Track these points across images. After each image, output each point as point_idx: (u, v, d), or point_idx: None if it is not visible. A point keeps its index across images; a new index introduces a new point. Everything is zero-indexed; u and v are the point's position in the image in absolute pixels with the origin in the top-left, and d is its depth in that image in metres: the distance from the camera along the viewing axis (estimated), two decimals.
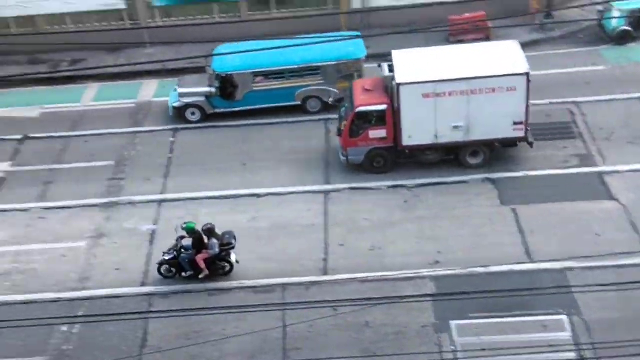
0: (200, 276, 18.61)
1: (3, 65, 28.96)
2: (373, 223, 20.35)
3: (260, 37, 24.54)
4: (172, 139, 24.60)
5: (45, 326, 16.77)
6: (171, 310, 16.69)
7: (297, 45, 22.70)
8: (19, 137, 25.16)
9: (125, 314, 16.52)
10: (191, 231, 18.29)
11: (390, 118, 21.35)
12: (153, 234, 20.59)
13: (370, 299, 17.05)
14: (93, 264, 19.64)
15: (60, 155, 24.22)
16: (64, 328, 17.61)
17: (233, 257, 18.81)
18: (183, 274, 18.71)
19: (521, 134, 21.41)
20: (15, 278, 19.33)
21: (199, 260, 18.39)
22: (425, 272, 18.24)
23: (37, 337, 17.23)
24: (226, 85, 24.71)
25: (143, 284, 18.88)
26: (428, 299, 17.48)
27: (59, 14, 29.28)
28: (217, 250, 18.26)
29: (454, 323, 17.02)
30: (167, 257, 18.65)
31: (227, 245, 18.50)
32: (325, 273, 18.85)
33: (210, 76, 25.03)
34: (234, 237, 18.71)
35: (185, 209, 21.39)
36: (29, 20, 29.49)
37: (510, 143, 21.96)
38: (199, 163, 23.29)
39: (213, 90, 24.74)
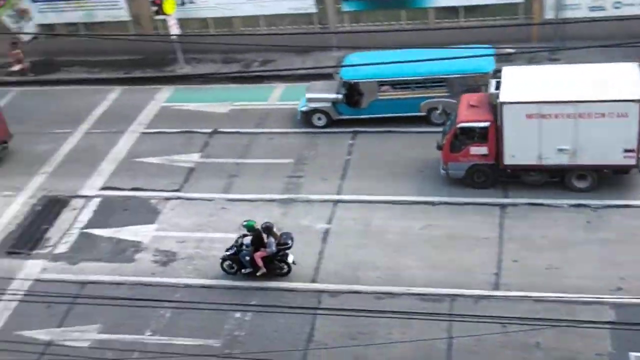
0: (258, 274, 19.16)
1: (201, 63, 30.85)
2: (551, 241, 19.52)
3: (447, 45, 24.29)
4: (350, 142, 24.97)
5: (221, 311, 17.58)
6: (339, 309, 16.93)
7: (425, 60, 22.20)
8: (209, 130, 26.62)
9: (295, 307, 16.95)
10: (251, 229, 18.90)
11: (493, 136, 20.79)
12: (326, 233, 21.00)
13: (543, 319, 16.33)
14: None
15: (246, 150, 25.34)
16: (238, 315, 18.37)
17: (290, 259, 19.17)
18: (242, 270, 19.33)
19: (632, 162, 20.04)
20: (197, 263, 20.43)
21: (257, 258, 18.90)
22: (605, 297, 17.23)
23: (213, 321, 18.10)
24: (352, 93, 25.15)
25: (313, 281, 19.30)
26: (607, 326, 16.48)
27: (254, 16, 30.74)
28: (274, 248, 18.71)
29: (633, 355, 15.93)
30: (228, 253, 19.31)
31: (283, 245, 18.89)
32: (497, 288, 18.32)
33: (338, 83, 25.47)
34: (291, 238, 19.18)
35: (359, 211, 21.65)
36: (227, 21, 31.17)
37: (621, 170, 20.57)
38: (375, 167, 23.46)
39: (339, 97, 25.17)
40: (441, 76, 24.13)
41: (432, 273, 19.04)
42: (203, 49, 30.24)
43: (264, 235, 18.92)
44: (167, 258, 20.72)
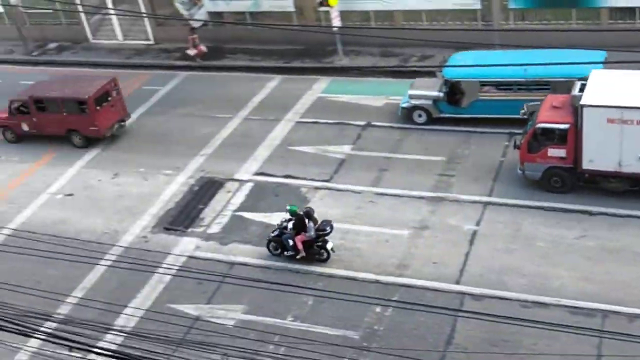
0: (298, 257, 20.03)
1: (359, 56, 31.05)
2: None
3: (618, 48, 22.97)
4: (506, 143, 24.19)
5: (361, 303, 17.60)
6: (482, 314, 16.47)
7: (530, 64, 22.03)
8: (362, 123, 26.72)
9: (437, 307, 16.67)
10: (293, 213, 19.92)
11: (572, 138, 20.37)
12: (474, 234, 20.52)
13: None
14: (413, 254, 20.16)
15: (397, 145, 25.22)
16: (378, 309, 18.36)
17: (329, 245, 19.91)
18: (285, 252, 20.24)
19: None
20: (341, 254, 20.53)
21: (297, 241, 19.77)
22: None
23: (353, 313, 18.18)
24: (454, 91, 25.28)
25: (457, 282, 18.92)
26: None
27: (417, 10, 30.49)
28: (312, 233, 19.60)
29: None
30: (273, 235, 20.34)
31: (321, 231, 19.73)
32: None
33: (440, 81, 25.35)
34: (330, 226, 19.94)
35: (509, 215, 20.99)
36: (388, 14, 31.14)
37: None
38: None
39: (441, 95, 25.10)
40: (545, 79, 23.27)
41: (585, 286, 18.11)
42: (362, 42, 30.38)
43: (306, 220, 19.61)
44: None
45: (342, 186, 23.50)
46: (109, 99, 27.66)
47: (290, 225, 20.04)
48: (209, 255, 21.22)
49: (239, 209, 23.12)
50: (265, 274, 20.07)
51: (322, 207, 22.54)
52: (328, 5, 29.96)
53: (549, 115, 20.89)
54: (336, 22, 30.29)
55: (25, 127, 28.30)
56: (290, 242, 19.99)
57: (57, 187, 25.75)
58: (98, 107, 27.15)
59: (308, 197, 23.18)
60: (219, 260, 20.93)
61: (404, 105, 26.02)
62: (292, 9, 32.45)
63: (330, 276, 19.73)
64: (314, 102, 28.81)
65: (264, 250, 21.07)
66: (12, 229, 22.92)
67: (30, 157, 27.79)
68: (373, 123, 26.63)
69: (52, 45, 37.27)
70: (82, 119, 27.28)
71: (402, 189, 22.84)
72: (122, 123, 28.32)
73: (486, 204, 21.64)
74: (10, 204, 25.05)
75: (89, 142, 27.83)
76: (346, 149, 25.45)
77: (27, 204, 24.86)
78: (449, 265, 19.48)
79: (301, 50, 32.25)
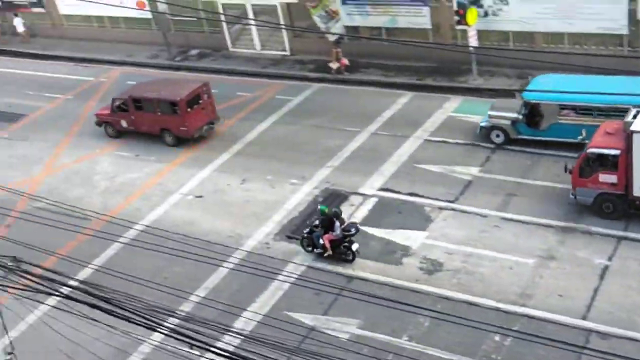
0: (325, 255, 21.19)
1: (494, 77, 30.42)
2: None
3: None
4: None
5: (480, 330, 17.13)
6: (609, 353, 15.61)
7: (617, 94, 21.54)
8: (492, 145, 26.11)
9: (561, 342, 15.95)
10: (322, 213, 21.10)
11: (623, 165, 20.25)
12: (605, 269, 19.57)
13: None
14: (537, 283, 19.47)
15: (528, 170, 24.47)
16: (497, 337, 17.82)
17: (355, 247, 20.91)
18: (315, 249, 21.42)
19: None
20: (461, 277, 20.16)
21: (325, 240, 20.94)
22: None
23: (470, 339, 17.71)
24: (533, 113, 25.26)
25: (584, 318, 18.09)
26: None
27: (558, 33, 29.52)
28: (338, 232, 20.71)
29: None
30: (305, 232, 21.60)
31: (347, 231, 20.80)
32: None
33: (520, 102, 25.30)
34: (356, 228, 21.10)
35: None
36: (528, 35, 30.33)
37: None
38: None
39: (519, 116, 25.10)
40: (623, 105, 22.07)
41: None
42: (498, 63, 29.75)
43: (334, 220, 20.74)
44: (433, 267, 20.71)
45: (467, 208, 23.04)
46: (200, 101, 29.15)
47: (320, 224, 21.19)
48: (329, 267, 21.33)
49: (361, 223, 23.00)
50: (382, 290, 19.94)
51: (445, 228, 22.23)
52: (466, 24, 29.56)
53: (601, 141, 20.91)
54: (473, 41, 29.82)
55: (124, 124, 30.23)
56: (320, 241, 21.04)
57: (189, 188, 26.73)
58: (189, 109, 28.66)
59: (432, 216, 22.88)
60: (337, 273, 21.00)
61: (483, 124, 26.10)
62: (428, 26, 32.21)
63: (449, 299, 19.37)
64: (444, 120, 28.46)
65: (383, 266, 20.98)
66: (145, 226, 23.95)
67: (165, 157, 29.03)
68: (504, 146, 25.97)
69: (194, 52, 38.81)
70: (174, 119, 28.77)
71: (530, 215, 22.13)
72: (212, 125, 29.67)
73: (620, 238, 20.60)
74: (145, 201, 26.24)
75: (180, 141, 29.26)
76: (474, 170, 24.96)
77: (160, 203, 25.98)
78: (576, 299, 18.67)
79: (435, 67, 31.97)
